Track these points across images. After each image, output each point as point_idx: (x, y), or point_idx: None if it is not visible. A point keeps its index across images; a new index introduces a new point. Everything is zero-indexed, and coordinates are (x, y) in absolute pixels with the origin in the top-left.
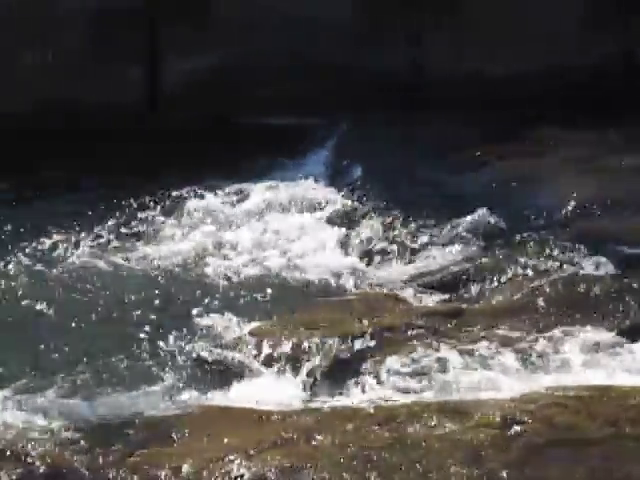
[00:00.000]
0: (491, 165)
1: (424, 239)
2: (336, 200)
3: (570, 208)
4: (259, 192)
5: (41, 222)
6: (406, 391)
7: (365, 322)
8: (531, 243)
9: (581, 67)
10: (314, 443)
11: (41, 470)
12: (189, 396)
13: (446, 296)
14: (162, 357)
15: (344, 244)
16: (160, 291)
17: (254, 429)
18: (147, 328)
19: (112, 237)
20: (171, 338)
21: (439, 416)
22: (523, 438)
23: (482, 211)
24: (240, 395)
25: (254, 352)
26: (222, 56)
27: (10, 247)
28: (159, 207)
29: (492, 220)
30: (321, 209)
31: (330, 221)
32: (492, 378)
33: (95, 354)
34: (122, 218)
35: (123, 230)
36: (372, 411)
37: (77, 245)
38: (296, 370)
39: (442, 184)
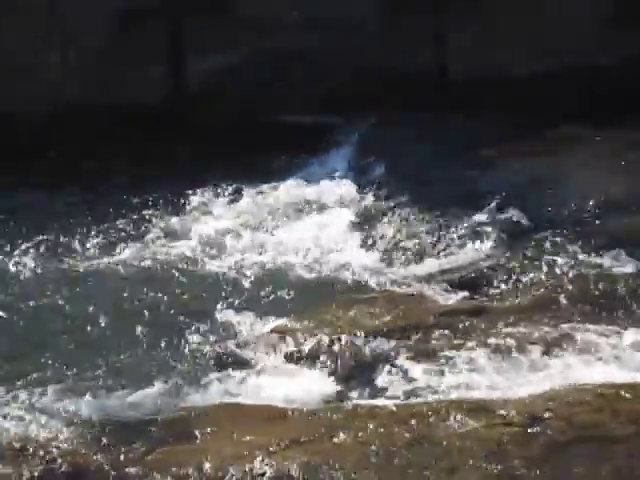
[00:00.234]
0: (514, 163)
1: (447, 237)
2: (359, 198)
3: (593, 206)
4: (282, 189)
5: (69, 216)
6: (428, 389)
7: (388, 320)
8: (554, 241)
9: (605, 66)
10: (336, 441)
11: (62, 468)
12: (211, 393)
13: (469, 294)
14: (183, 355)
15: (367, 242)
16: (181, 289)
17: (276, 426)
18: (169, 326)
19: (133, 234)
20: (193, 336)
21: (461, 414)
22: (545, 436)
23: (505, 209)
24: (262, 392)
25: (276, 350)
26: (244, 55)
27: (26, 244)
28: (180, 204)
29: (515, 218)
30: (344, 207)
31: (353, 219)
32: (514, 375)
33: (116, 352)
34: (143, 215)
35: (143, 227)
36: (394, 409)
37: (95, 242)
38: (318, 368)
39: (465, 182)
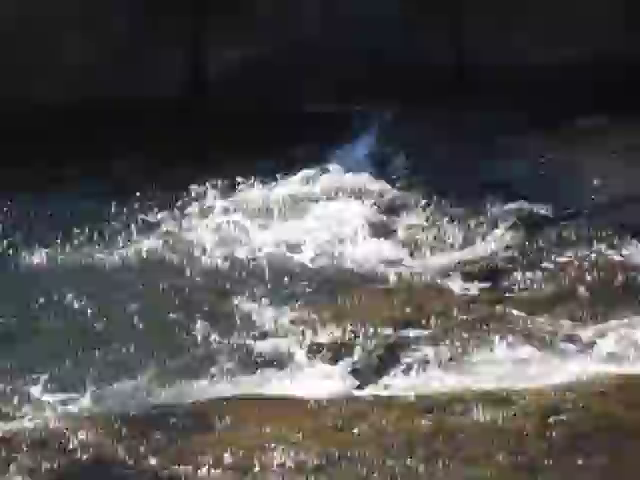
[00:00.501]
0: (533, 154)
1: (466, 228)
2: (379, 189)
3: (614, 196)
4: (302, 179)
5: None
6: (448, 379)
7: (407, 311)
8: (573, 231)
9: (629, 54)
10: (355, 431)
11: (83, 460)
12: (231, 385)
13: (488, 285)
14: (203, 346)
15: (386, 233)
16: (199, 280)
17: (296, 418)
18: (188, 317)
19: (150, 225)
20: (212, 327)
21: (480, 404)
22: (565, 426)
23: (524, 200)
24: (281, 384)
25: (295, 341)
26: (266, 43)
27: (55, 237)
28: (198, 195)
29: (534, 209)
30: (364, 197)
31: (373, 210)
32: (534, 366)
33: (135, 344)
34: (160, 205)
35: (160, 217)
36: (413, 399)
37: (113, 233)
38: (337, 359)
39: (484, 173)
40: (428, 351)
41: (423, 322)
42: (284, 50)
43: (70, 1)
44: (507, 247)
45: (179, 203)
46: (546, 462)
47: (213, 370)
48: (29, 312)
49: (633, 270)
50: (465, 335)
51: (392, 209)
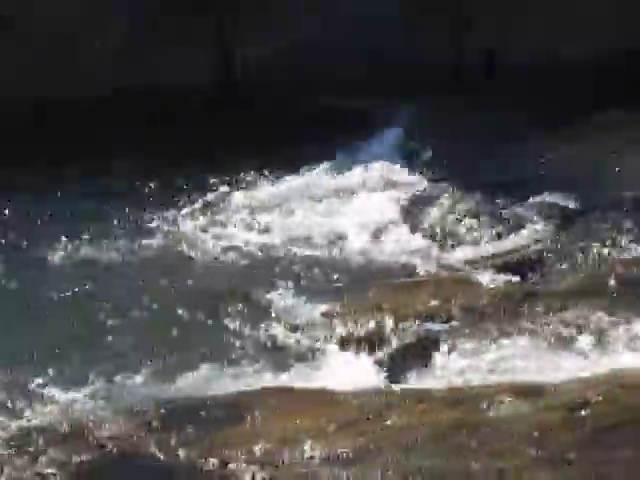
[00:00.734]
0: (560, 148)
1: (495, 221)
2: (407, 182)
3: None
4: (329, 173)
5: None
6: (477, 372)
7: (436, 304)
8: (602, 225)
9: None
10: (385, 424)
11: (113, 452)
12: (262, 377)
13: (517, 278)
14: (234, 339)
15: (415, 226)
16: (230, 273)
17: (325, 410)
18: (219, 310)
19: (180, 217)
20: (243, 320)
21: (509, 398)
22: (592, 420)
23: (552, 193)
24: (312, 376)
25: (326, 333)
26: (294, 40)
27: (84, 228)
28: (226, 188)
29: (562, 202)
30: (392, 190)
31: (401, 202)
32: (562, 359)
33: (167, 337)
34: (190, 198)
35: (190, 210)
36: (442, 392)
37: (142, 225)
38: (367, 351)
39: (511, 167)
40: (456, 344)
41: (452, 315)
42: (309, 47)
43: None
44: (536, 240)
45: (206, 197)
46: (572, 455)
47: (244, 363)
48: (52, 309)
49: None
50: (493, 328)
51: (420, 202)
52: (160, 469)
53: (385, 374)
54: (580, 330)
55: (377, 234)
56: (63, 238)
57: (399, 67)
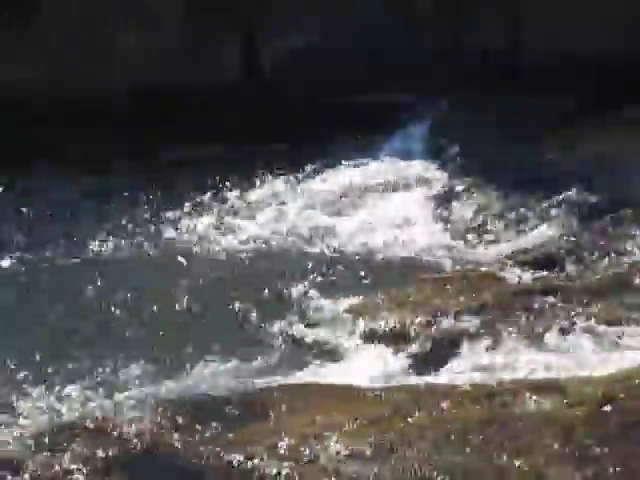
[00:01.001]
0: (586, 144)
1: (521, 217)
2: (434, 178)
3: None
4: (355, 169)
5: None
6: (502, 368)
7: (462, 300)
8: (626, 221)
9: None
10: (410, 420)
11: (137, 448)
12: (285, 373)
13: (543, 274)
14: (258, 334)
15: (441, 222)
16: (255, 269)
17: (350, 406)
18: (243, 306)
19: (204, 214)
20: (267, 316)
21: (534, 393)
22: (617, 415)
23: (578, 189)
24: (336, 372)
25: (350, 329)
26: (318, 36)
27: (108, 223)
28: (251, 185)
29: (588, 198)
30: (419, 187)
31: (427, 199)
32: (588, 355)
33: (190, 333)
34: (213, 195)
35: (214, 207)
36: (468, 388)
37: (166, 221)
38: (392, 347)
39: (538, 163)
40: (482, 340)
41: (478, 311)
42: (337, 38)
43: None
44: (561, 236)
45: (230, 194)
46: (599, 451)
47: (268, 358)
48: (68, 306)
49: None
50: (519, 324)
51: (447, 199)
52: (184, 465)
53: (410, 370)
54: (606, 325)
55: (402, 230)
56: (71, 235)
57: (425, 64)
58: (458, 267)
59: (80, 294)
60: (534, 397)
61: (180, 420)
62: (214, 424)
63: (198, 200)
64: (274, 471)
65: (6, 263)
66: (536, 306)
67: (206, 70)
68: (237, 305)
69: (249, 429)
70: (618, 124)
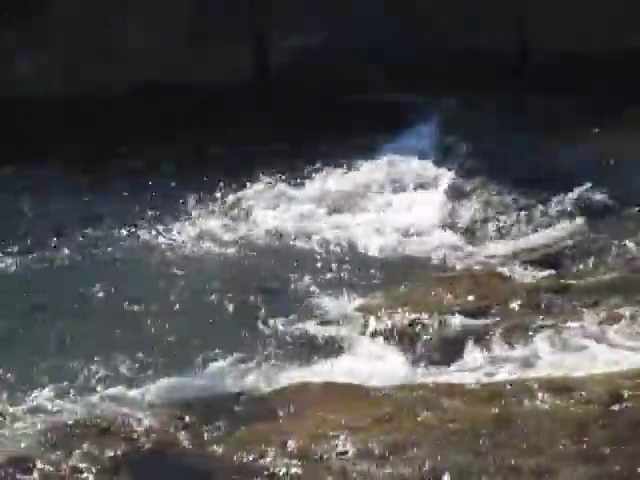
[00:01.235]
0: (594, 143)
1: (529, 216)
2: (442, 177)
3: None
4: (365, 168)
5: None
6: (511, 367)
7: (471, 298)
8: (635, 219)
9: None
10: (419, 419)
11: (146, 446)
12: (295, 372)
13: (550, 272)
14: (267, 333)
15: (450, 221)
16: (264, 267)
17: (359, 405)
18: (252, 305)
19: (214, 213)
20: (276, 314)
21: (544, 392)
22: (628, 414)
23: (585, 188)
24: (345, 371)
25: (360, 328)
26: (328, 35)
27: (127, 220)
28: (262, 184)
29: (595, 197)
30: (428, 186)
31: (435, 198)
32: (597, 353)
33: (199, 331)
34: (223, 195)
35: (225, 206)
36: (477, 387)
37: (183, 219)
38: (401, 346)
39: (547, 161)
40: (491, 339)
41: (486, 310)
42: (345, 38)
43: None
44: (570, 235)
45: (241, 193)
46: (610, 450)
47: (277, 357)
48: (79, 305)
49: None
50: (527, 323)
51: (455, 197)
52: (192, 464)
53: (419, 369)
54: (615, 324)
55: (411, 229)
56: (82, 232)
57: (433, 64)
58: (466, 266)
59: (84, 293)
60: (542, 396)
61: (189, 419)
62: (223, 423)
63: (205, 200)
64: (283, 470)
65: (6, 263)
66: (544, 305)
67: (215, 70)
68: (246, 304)
69: (258, 428)
70: (624, 123)
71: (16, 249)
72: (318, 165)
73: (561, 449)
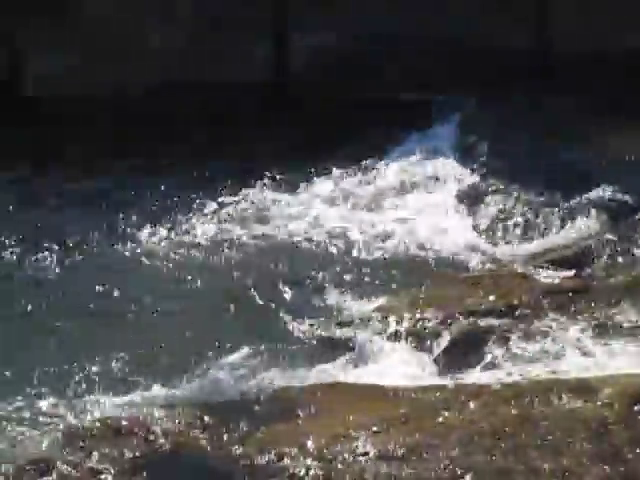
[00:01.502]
0: (614, 141)
1: (550, 216)
2: (463, 176)
3: None
4: (385, 167)
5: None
6: (532, 367)
7: (491, 299)
8: None
9: None
10: (440, 420)
11: (165, 447)
12: (314, 373)
13: (572, 272)
14: (287, 333)
15: (471, 220)
16: (283, 268)
17: (379, 405)
18: (272, 305)
19: (236, 213)
20: (296, 315)
21: (565, 393)
22: None
23: (607, 187)
24: (365, 371)
25: (379, 329)
26: (348, 34)
27: (144, 219)
28: (282, 183)
29: (617, 196)
30: (448, 185)
31: (456, 198)
32: (618, 354)
33: (217, 331)
34: (244, 194)
35: (245, 206)
36: (499, 388)
37: (206, 218)
38: (422, 347)
39: (567, 161)
40: (512, 339)
41: (507, 310)
42: (363, 37)
43: None
44: (591, 235)
45: (259, 194)
46: (631, 450)
47: (296, 358)
48: (94, 306)
49: None
50: (549, 323)
51: (476, 197)
52: (212, 465)
53: (440, 369)
54: (635, 324)
55: (432, 229)
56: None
57: (450, 64)
58: (487, 266)
59: (98, 295)
60: (565, 397)
61: (208, 420)
62: (242, 424)
63: (222, 199)
64: (303, 471)
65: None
66: (565, 305)
67: (233, 68)
68: (265, 305)
69: (278, 429)
70: None
71: (30, 248)
72: (336, 165)
73: (582, 450)
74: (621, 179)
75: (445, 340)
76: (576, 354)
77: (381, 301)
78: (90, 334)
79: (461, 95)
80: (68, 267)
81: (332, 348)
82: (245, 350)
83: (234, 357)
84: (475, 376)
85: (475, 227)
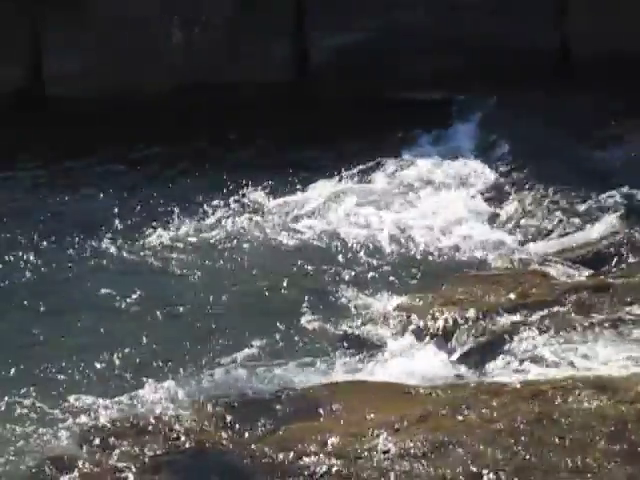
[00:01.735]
0: (633, 140)
1: (570, 214)
2: (483, 175)
3: None
4: (406, 166)
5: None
6: (552, 366)
7: (512, 297)
8: None
9: None
10: (460, 418)
11: (186, 445)
12: (335, 371)
13: (593, 271)
14: (307, 332)
15: (491, 219)
16: (303, 266)
17: (400, 404)
18: (292, 303)
19: (255, 210)
20: (316, 313)
21: (586, 391)
22: None
23: (628, 186)
24: (386, 370)
25: (400, 327)
26: (369, 33)
27: (164, 215)
28: (302, 182)
29: (636, 195)
30: (468, 184)
31: (476, 196)
32: (637, 353)
33: (237, 328)
34: (263, 192)
35: (264, 203)
36: (518, 386)
37: (224, 216)
38: (442, 345)
39: (587, 160)
40: (533, 337)
41: (528, 308)
42: (382, 37)
43: None
44: (611, 233)
45: (278, 192)
46: None
47: (317, 356)
48: (113, 302)
49: None
50: (570, 321)
51: (496, 196)
52: (233, 463)
53: (460, 368)
54: None
55: (452, 228)
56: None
57: (472, 63)
58: (507, 265)
59: (117, 292)
60: (585, 394)
61: (229, 418)
62: (263, 422)
63: (245, 198)
64: (324, 469)
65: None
66: (586, 303)
67: (254, 68)
68: (286, 302)
69: (298, 427)
70: None
71: (43, 244)
72: (358, 163)
73: (602, 448)
74: None
75: (465, 339)
76: (596, 352)
77: (402, 300)
78: (109, 331)
79: (481, 94)
80: (86, 265)
81: (353, 347)
82: (265, 348)
83: (255, 355)
84: (495, 374)
85: (495, 225)
